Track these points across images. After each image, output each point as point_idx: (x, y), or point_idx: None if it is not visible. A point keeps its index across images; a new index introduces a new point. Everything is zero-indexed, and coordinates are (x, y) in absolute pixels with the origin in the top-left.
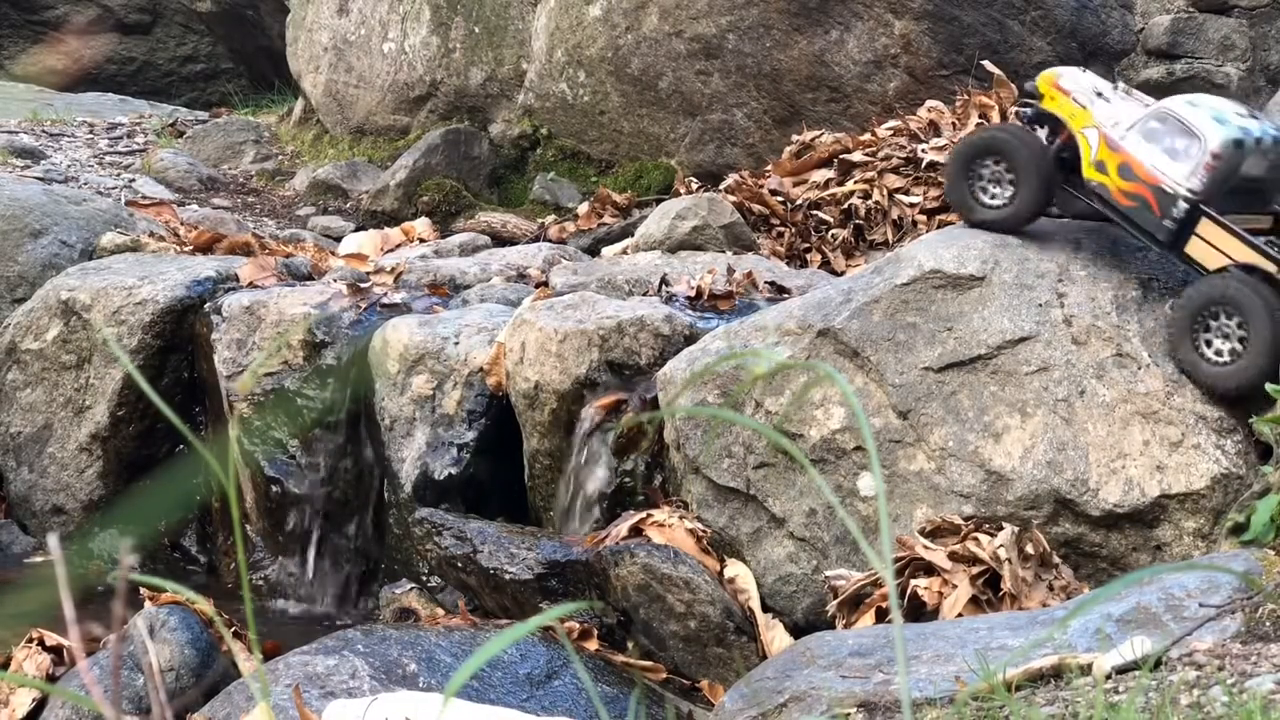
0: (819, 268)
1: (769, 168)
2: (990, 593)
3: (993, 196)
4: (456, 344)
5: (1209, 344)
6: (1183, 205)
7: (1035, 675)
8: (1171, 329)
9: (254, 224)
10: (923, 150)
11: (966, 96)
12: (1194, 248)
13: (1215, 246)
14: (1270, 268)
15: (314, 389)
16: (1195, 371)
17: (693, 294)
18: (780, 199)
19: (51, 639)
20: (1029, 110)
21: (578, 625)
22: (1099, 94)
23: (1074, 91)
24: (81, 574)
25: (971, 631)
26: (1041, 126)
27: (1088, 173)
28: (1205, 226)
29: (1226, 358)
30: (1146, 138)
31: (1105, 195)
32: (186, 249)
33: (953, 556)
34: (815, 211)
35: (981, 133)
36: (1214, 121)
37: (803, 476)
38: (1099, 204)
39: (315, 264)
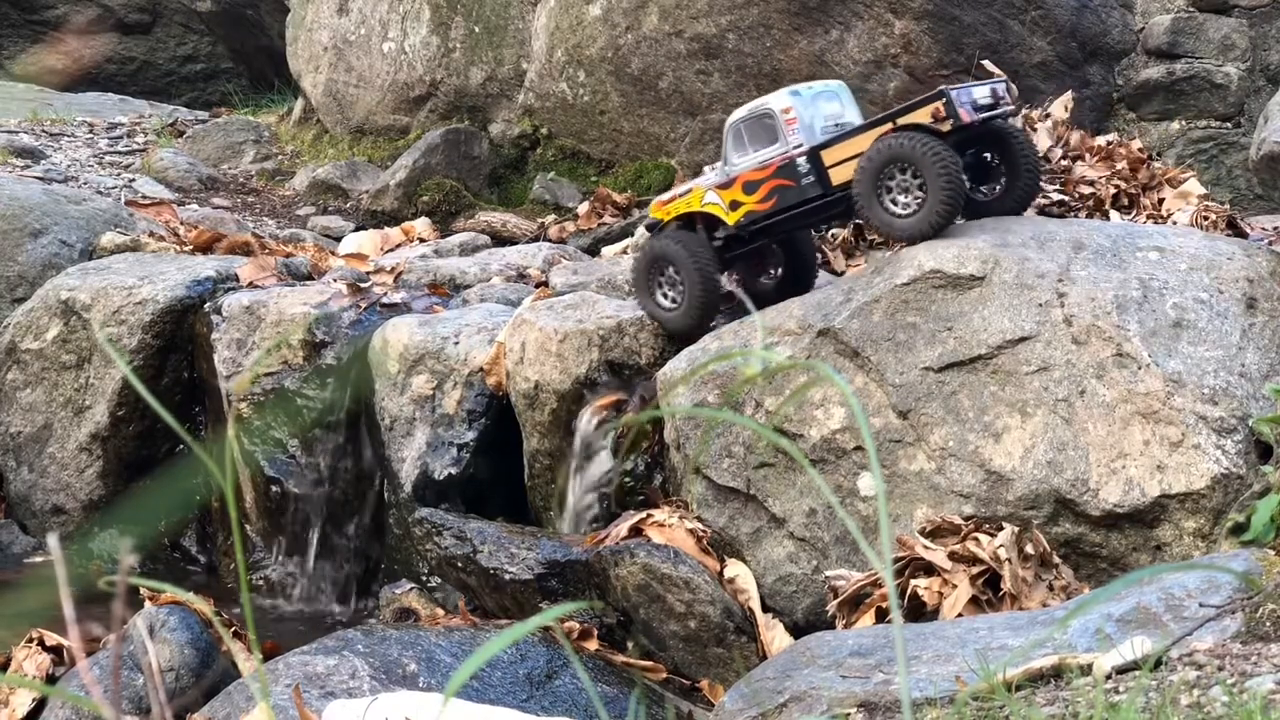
0: (819, 267)
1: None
2: (990, 593)
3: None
4: (456, 344)
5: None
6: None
7: (1035, 675)
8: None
9: (254, 224)
10: None
11: None
12: (835, 175)
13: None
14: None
15: (314, 389)
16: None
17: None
18: None
19: (51, 639)
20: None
21: (578, 625)
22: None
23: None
24: (81, 574)
25: (971, 631)
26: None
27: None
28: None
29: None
30: (739, 147)
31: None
32: (186, 249)
33: (953, 556)
34: None
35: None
36: (781, 93)
37: (803, 476)
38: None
39: (315, 264)
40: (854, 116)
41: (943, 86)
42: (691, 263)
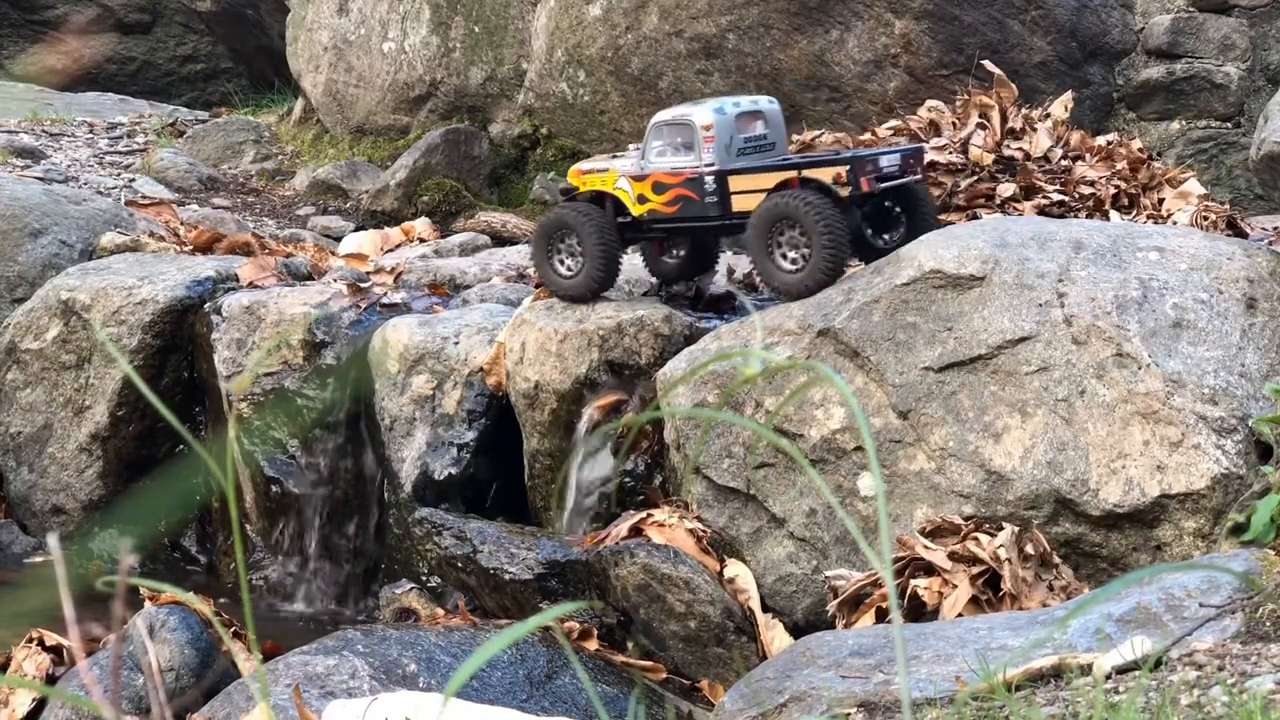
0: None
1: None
2: (990, 593)
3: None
4: (456, 344)
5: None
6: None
7: (1035, 675)
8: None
9: (254, 224)
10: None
11: (967, 96)
12: (736, 202)
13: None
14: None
15: (314, 389)
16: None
17: (691, 293)
18: None
19: (51, 639)
20: None
21: (578, 625)
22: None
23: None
24: (81, 574)
25: (971, 631)
26: None
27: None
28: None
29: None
30: (659, 153)
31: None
32: (186, 249)
33: (953, 556)
34: None
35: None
36: (706, 108)
37: (803, 476)
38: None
39: (315, 264)
40: (777, 139)
41: (853, 152)
42: (594, 235)
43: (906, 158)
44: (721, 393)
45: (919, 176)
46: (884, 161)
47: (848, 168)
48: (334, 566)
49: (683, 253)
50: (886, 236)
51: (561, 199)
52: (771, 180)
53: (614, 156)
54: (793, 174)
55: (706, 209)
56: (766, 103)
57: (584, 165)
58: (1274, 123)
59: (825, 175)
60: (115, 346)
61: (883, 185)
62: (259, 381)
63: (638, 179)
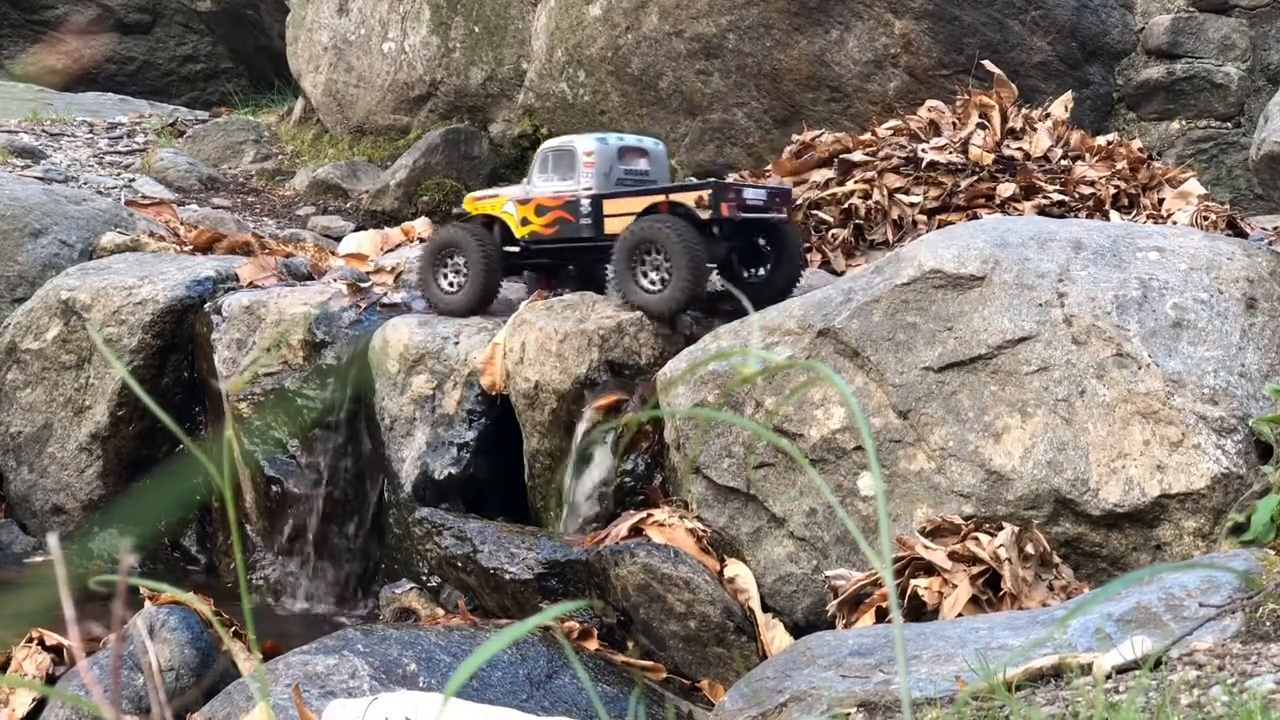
0: (819, 268)
1: (769, 167)
2: (990, 593)
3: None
4: (456, 344)
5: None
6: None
7: (1035, 675)
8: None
9: (254, 224)
10: (923, 150)
11: (967, 96)
12: (609, 224)
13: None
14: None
15: (314, 389)
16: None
17: None
18: None
19: (51, 639)
20: None
21: (578, 625)
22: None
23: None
24: (81, 574)
25: (971, 631)
26: None
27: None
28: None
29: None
30: (544, 172)
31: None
32: (186, 249)
33: (953, 556)
34: (815, 211)
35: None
36: (589, 137)
37: (803, 476)
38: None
39: (315, 264)
40: (660, 177)
41: (720, 180)
42: (479, 255)
43: (774, 195)
44: (721, 393)
45: (784, 216)
46: (748, 194)
47: (709, 193)
48: (334, 566)
49: (566, 292)
50: (753, 270)
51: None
52: (640, 204)
53: (506, 186)
54: (660, 198)
55: (581, 230)
56: (652, 143)
57: (479, 193)
58: (1274, 123)
59: (689, 199)
60: (111, 351)
61: (744, 215)
62: (259, 381)
63: (523, 202)
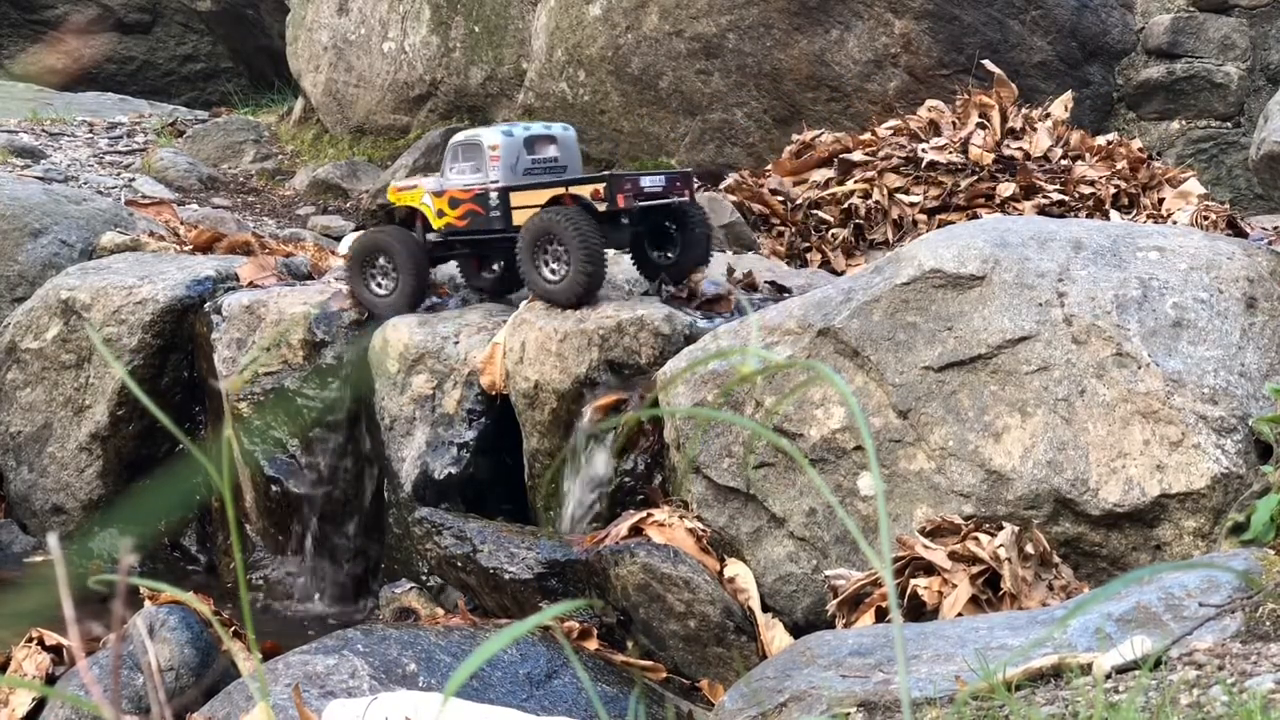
0: (819, 267)
1: (769, 167)
2: (990, 592)
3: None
4: (456, 344)
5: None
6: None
7: (1035, 675)
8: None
9: (254, 223)
10: (923, 150)
11: (967, 96)
12: (517, 216)
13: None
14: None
15: (314, 389)
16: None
17: (684, 294)
18: (780, 198)
19: (51, 639)
20: None
21: (577, 625)
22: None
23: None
24: (81, 574)
25: (971, 631)
26: None
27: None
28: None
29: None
30: (457, 171)
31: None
32: (186, 248)
33: (953, 556)
34: (815, 211)
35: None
36: (495, 130)
37: (803, 476)
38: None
39: (315, 263)
40: (569, 162)
41: (614, 172)
42: (405, 255)
43: (673, 180)
44: (722, 392)
45: (686, 198)
46: (645, 182)
47: (605, 185)
48: (334, 566)
49: (499, 267)
50: (661, 253)
51: (378, 209)
52: (544, 196)
53: (425, 176)
54: (562, 190)
55: (492, 222)
56: (560, 129)
57: (400, 183)
58: (1274, 122)
59: (586, 191)
60: (111, 351)
61: (641, 203)
62: (259, 381)
63: (438, 195)
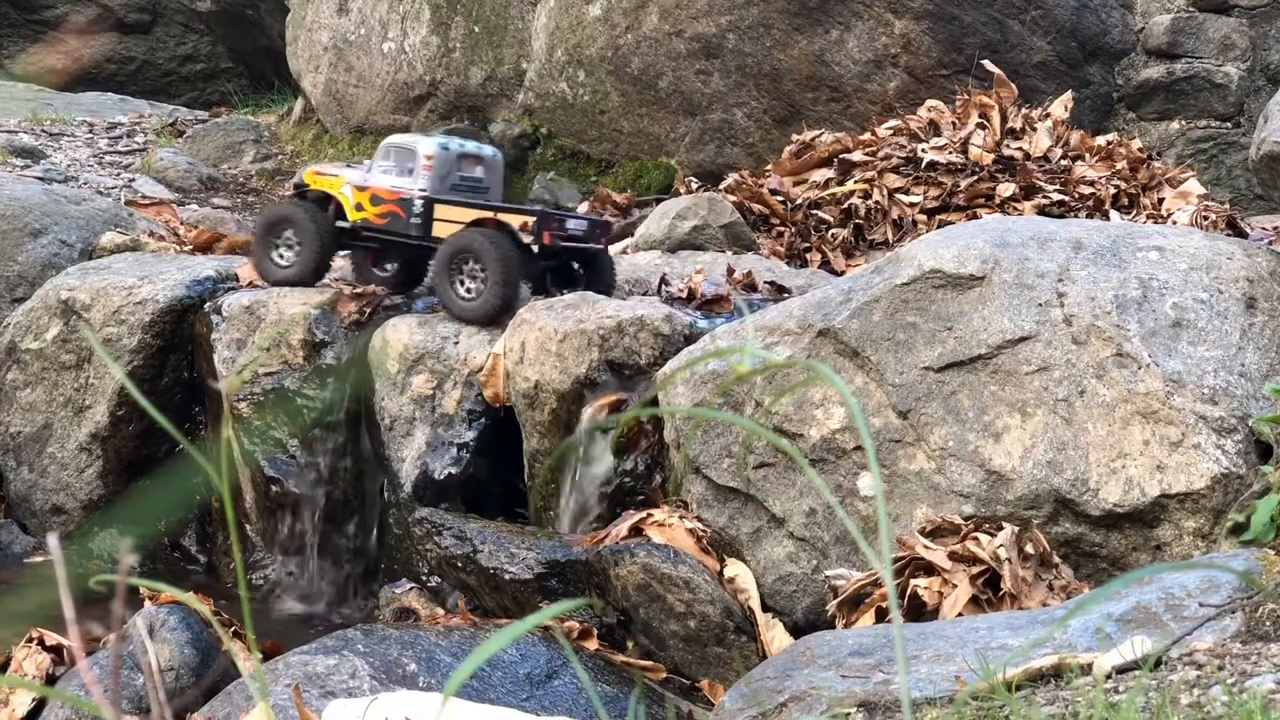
0: (819, 267)
1: (769, 167)
2: (990, 593)
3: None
4: (456, 344)
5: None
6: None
7: (1035, 675)
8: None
9: (254, 224)
10: (923, 150)
11: (967, 96)
12: (437, 228)
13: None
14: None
15: (314, 389)
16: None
17: (684, 295)
18: (780, 199)
19: (51, 639)
20: None
21: (577, 625)
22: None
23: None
24: (81, 574)
25: (971, 631)
26: None
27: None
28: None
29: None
30: (384, 171)
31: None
32: (186, 249)
33: (953, 556)
34: (815, 211)
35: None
36: (431, 141)
37: (803, 476)
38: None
39: None
40: (493, 185)
41: (544, 209)
42: (311, 230)
43: (594, 227)
44: (722, 392)
45: (602, 247)
46: (570, 224)
47: (535, 219)
48: (334, 566)
49: (394, 267)
50: (563, 291)
51: (294, 193)
52: (469, 215)
53: (348, 166)
54: (489, 214)
55: (409, 228)
56: (490, 152)
57: (319, 168)
58: (1274, 122)
59: (515, 221)
60: (111, 351)
61: (564, 244)
62: (258, 381)
63: (360, 189)
